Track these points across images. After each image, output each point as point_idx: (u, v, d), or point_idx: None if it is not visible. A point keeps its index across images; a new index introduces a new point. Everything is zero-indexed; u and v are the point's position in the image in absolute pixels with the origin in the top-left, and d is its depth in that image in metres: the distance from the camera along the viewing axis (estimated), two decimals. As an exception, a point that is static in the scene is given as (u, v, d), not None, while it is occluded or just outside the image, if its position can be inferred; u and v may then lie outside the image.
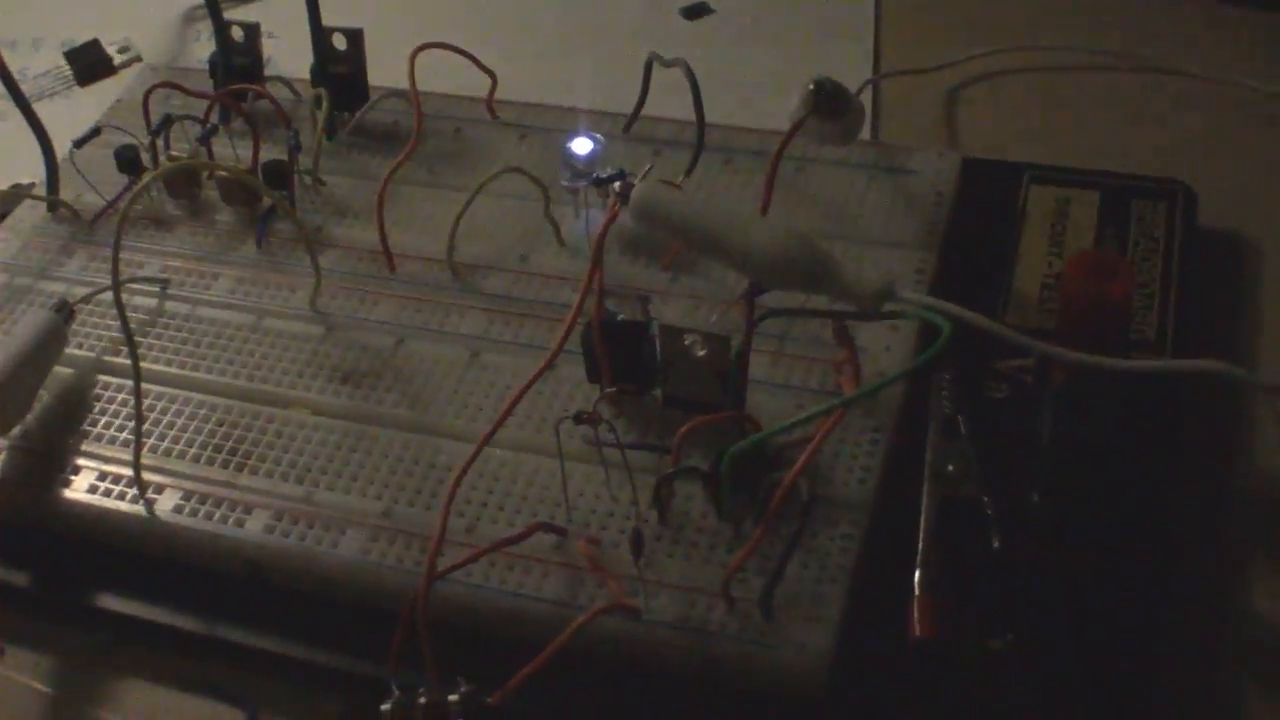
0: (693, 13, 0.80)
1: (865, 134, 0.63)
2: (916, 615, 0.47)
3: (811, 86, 0.55)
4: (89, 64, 0.81)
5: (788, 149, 0.56)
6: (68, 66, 0.81)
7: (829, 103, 0.55)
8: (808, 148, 0.61)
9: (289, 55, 0.73)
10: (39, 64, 0.82)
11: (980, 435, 0.51)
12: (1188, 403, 0.53)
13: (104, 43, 0.82)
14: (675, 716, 0.48)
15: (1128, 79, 0.72)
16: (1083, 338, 0.52)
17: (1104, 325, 0.53)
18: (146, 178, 0.55)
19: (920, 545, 0.48)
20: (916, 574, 0.48)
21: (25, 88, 0.66)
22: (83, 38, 0.82)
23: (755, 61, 0.76)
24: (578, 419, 0.49)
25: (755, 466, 0.48)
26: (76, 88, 0.81)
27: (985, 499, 0.49)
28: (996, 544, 0.48)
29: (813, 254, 0.47)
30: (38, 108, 0.66)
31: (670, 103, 0.64)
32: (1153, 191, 0.62)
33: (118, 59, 0.82)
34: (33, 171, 0.67)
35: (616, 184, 0.50)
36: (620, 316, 0.52)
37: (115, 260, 0.52)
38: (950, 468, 0.51)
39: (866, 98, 0.68)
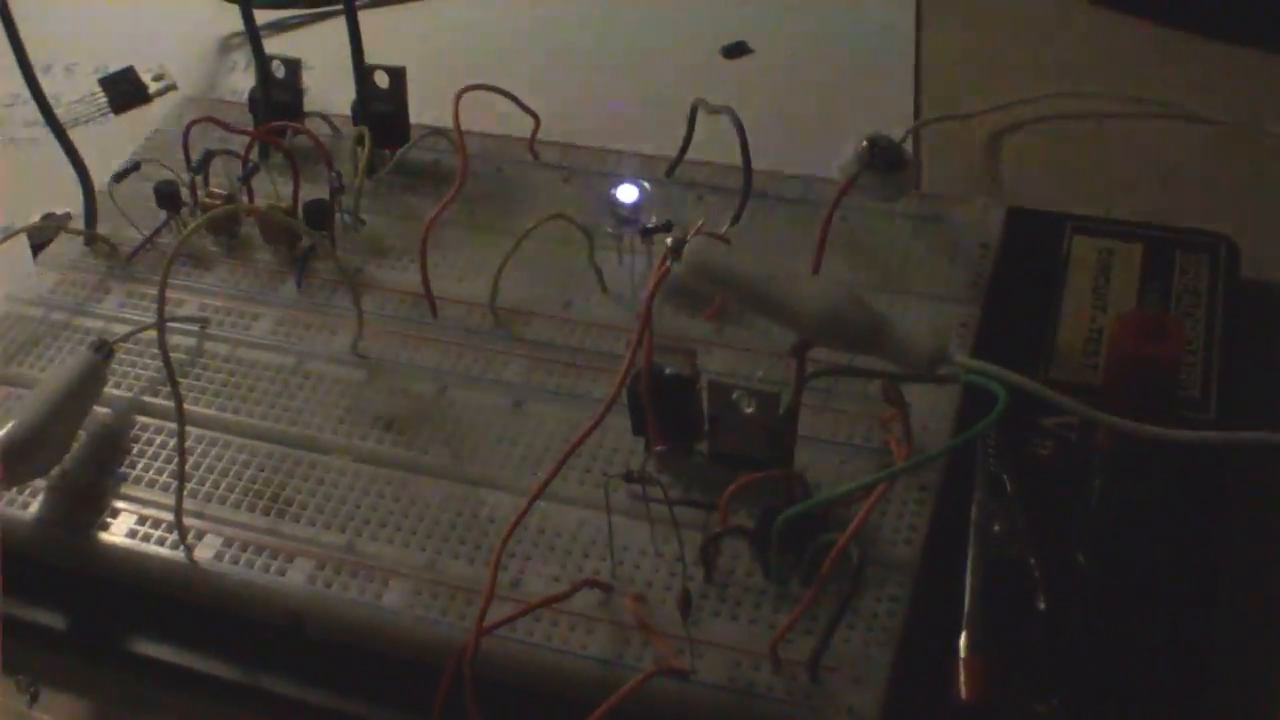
0: (732, 52, 0.80)
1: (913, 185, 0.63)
2: (963, 677, 0.46)
3: (865, 143, 0.54)
4: (124, 91, 0.81)
5: (830, 196, 0.56)
6: (102, 94, 0.81)
7: (882, 158, 0.54)
8: (851, 196, 0.60)
9: (329, 90, 0.72)
10: (72, 90, 0.82)
11: (1026, 494, 0.51)
12: (1236, 465, 0.53)
13: (139, 70, 0.82)
14: (721, 779, 0.47)
15: (1170, 128, 0.72)
16: (1130, 398, 0.51)
17: (1152, 386, 0.53)
18: (194, 225, 0.55)
19: (966, 606, 0.48)
20: (963, 636, 0.47)
21: (60, 114, 0.65)
22: (117, 64, 0.82)
23: (794, 103, 0.76)
24: (628, 478, 0.49)
25: (804, 528, 0.48)
26: (111, 115, 0.80)
27: (1032, 560, 0.49)
28: (1043, 605, 0.48)
29: (866, 315, 0.47)
30: (72, 134, 0.65)
31: (710, 145, 0.63)
32: (1196, 244, 0.61)
33: (153, 87, 0.82)
34: (66, 199, 0.67)
35: (669, 239, 0.49)
36: (667, 370, 0.51)
37: (161, 300, 0.52)
38: (996, 527, 0.50)
39: (907, 144, 0.68)
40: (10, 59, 0.62)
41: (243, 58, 0.69)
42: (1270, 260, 0.63)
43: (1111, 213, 0.64)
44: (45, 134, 0.65)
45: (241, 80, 0.75)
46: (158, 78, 0.82)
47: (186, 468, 0.55)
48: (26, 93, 0.63)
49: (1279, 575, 0.52)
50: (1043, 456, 0.54)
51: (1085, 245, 0.62)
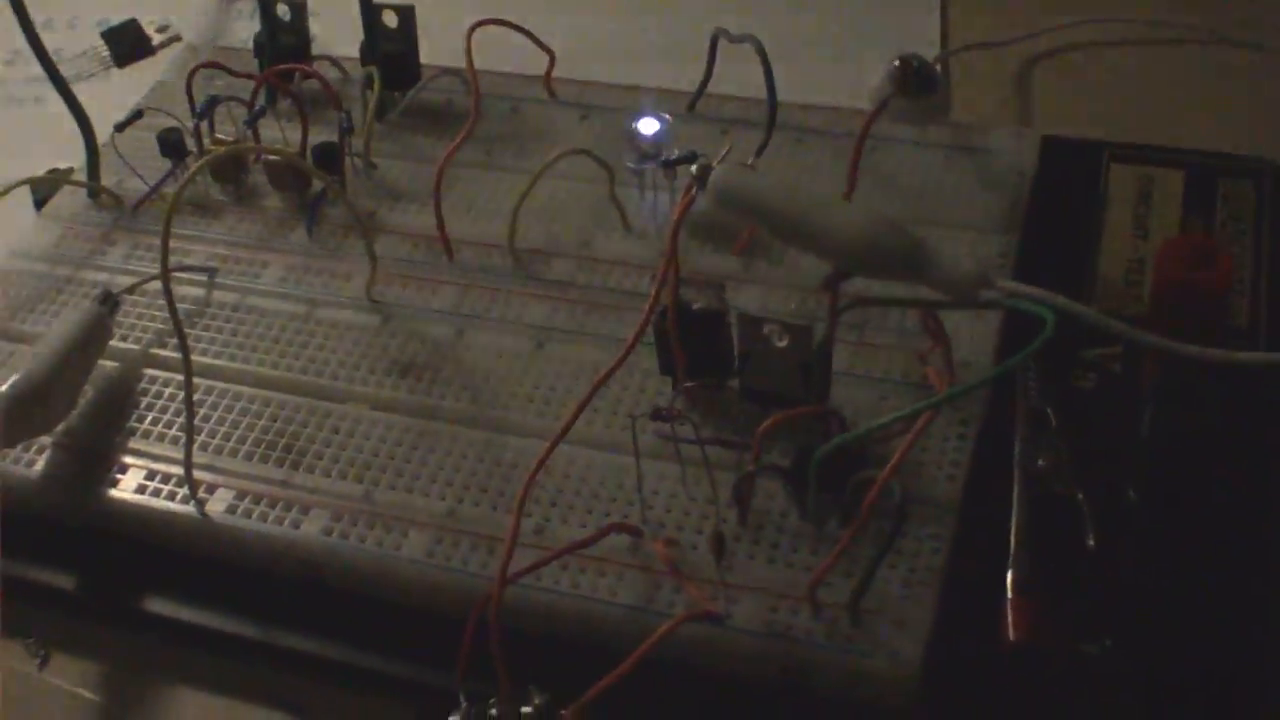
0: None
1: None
2: (1010, 618, 0.44)
3: (897, 63, 0.52)
4: (127, 44, 0.79)
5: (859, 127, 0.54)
6: (105, 47, 0.79)
7: (915, 81, 0.52)
8: (881, 127, 0.58)
9: (335, 32, 0.70)
10: (75, 45, 0.80)
11: (1071, 428, 0.49)
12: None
13: (142, 22, 0.80)
14: (759, 727, 0.45)
15: (1209, 52, 0.70)
16: (1177, 326, 0.49)
17: (1200, 314, 0.51)
18: (195, 166, 0.53)
19: (1012, 545, 0.46)
20: (1009, 575, 0.45)
21: (62, 69, 0.63)
22: (120, 17, 0.80)
23: (819, 34, 0.74)
24: (656, 416, 0.47)
25: (842, 465, 0.46)
26: (114, 69, 0.79)
27: (1080, 495, 0.47)
28: (1092, 542, 0.46)
29: (904, 240, 0.45)
30: (75, 89, 0.63)
31: (732, 78, 0.61)
32: (1239, 170, 0.59)
33: (156, 39, 0.80)
34: (71, 155, 0.65)
35: (693, 167, 0.47)
36: (696, 305, 0.49)
37: (165, 249, 0.50)
38: (1041, 463, 0.48)
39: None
40: (11, 17, 0.60)
41: (249, 5, 0.68)
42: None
43: (1150, 140, 0.62)
44: (47, 90, 0.63)
45: (248, 28, 0.72)
46: (161, 29, 0.80)
47: (197, 420, 0.53)
48: (27, 49, 0.61)
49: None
50: (1085, 389, 0.52)
51: (1124, 173, 0.60)
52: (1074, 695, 0.44)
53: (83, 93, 0.64)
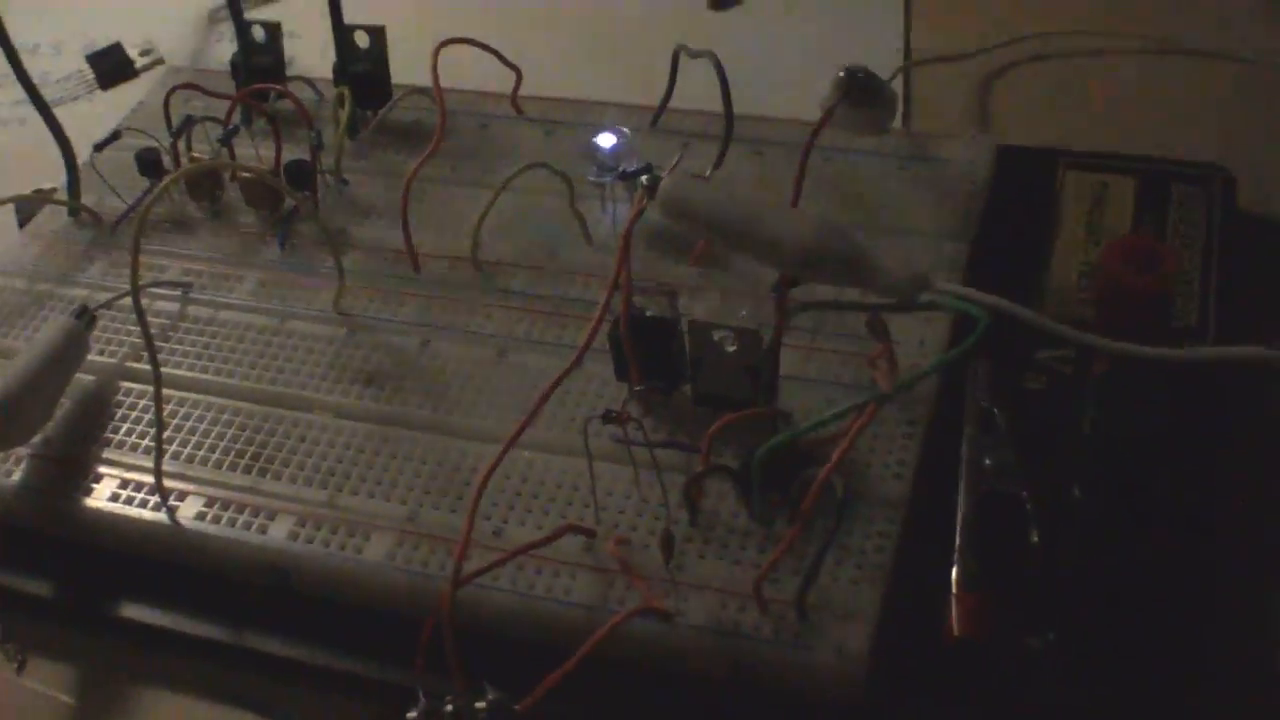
0: (721, 4, 0.79)
1: (897, 123, 0.62)
2: (955, 614, 0.45)
3: (842, 74, 0.53)
4: (111, 67, 0.81)
5: (820, 139, 0.55)
6: (90, 70, 0.81)
7: (860, 90, 0.53)
8: (839, 138, 0.59)
9: (311, 54, 0.72)
10: (61, 68, 0.82)
11: (1018, 428, 0.50)
12: (1231, 392, 0.52)
13: (126, 45, 0.81)
14: (709, 721, 0.46)
15: (1164, 63, 0.71)
16: (1123, 327, 0.50)
17: (1145, 313, 0.52)
18: (166, 180, 0.54)
19: (958, 542, 0.47)
20: (954, 571, 0.46)
21: (47, 92, 0.65)
22: (104, 41, 0.82)
23: (784, 52, 0.75)
24: (606, 418, 0.48)
25: (787, 464, 0.47)
26: (99, 91, 0.80)
27: (1024, 493, 0.48)
28: (1036, 539, 0.47)
29: (846, 244, 0.46)
30: (60, 112, 0.65)
31: (699, 95, 0.62)
32: (1191, 177, 0.60)
33: (139, 61, 0.81)
34: (54, 176, 0.66)
35: (644, 178, 0.48)
36: (649, 313, 0.51)
37: (134, 264, 0.51)
38: (988, 462, 0.49)
39: (898, 86, 0.68)
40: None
41: (229, 30, 0.69)
42: (1268, 192, 0.62)
43: (1106, 149, 0.63)
44: (32, 113, 0.64)
45: (228, 52, 0.74)
46: (145, 52, 0.81)
47: (170, 430, 0.54)
48: (11, 72, 0.63)
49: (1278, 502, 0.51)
50: (1035, 392, 0.53)
51: (1078, 180, 0.61)
52: (1018, 688, 0.45)
53: (68, 114, 0.66)
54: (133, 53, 0.81)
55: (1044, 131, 0.66)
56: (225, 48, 0.80)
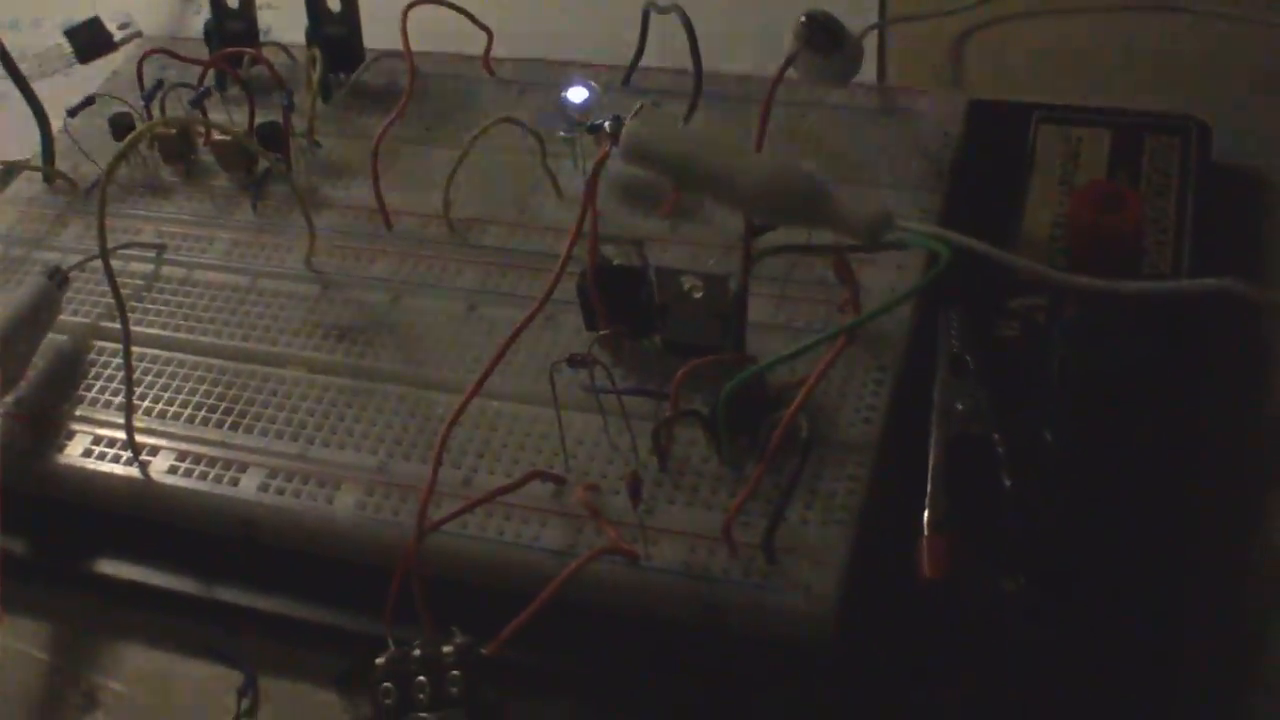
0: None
1: (872, 78, 0.61)
2: (925, 556, 0.45)
3: (803, 19, 0.53)
4: (89, 41, 0.80)
5: (793, 95, 0.55)
6: (68, 45, 0.80)
7: (822, 35, 0.53)
8: (812, 94, 0.59)
9: (286, 25, 0.72)
10: (40, 43, 0.82)
11: (991, 374, 0.50)
12: (1203, 332, 0.52)
13: (104, 20, 0.81)
14: (679, 665, 0.46)
15: (1139, 17, 0.71)
16: (1093, 270, 0.50)
17: (1114, 256, 0.52)
18: (131, 136, 0.54)
19: (929, 485, 0.47)
20: (925, 514, 0.46)
21: (25, 67, 0.66)
22: (83, 16, 0.81)
23: (756, 8, 0.74)
24: (571, 361, 0.48)
25: (755, 407, 0.47)
26: (78, 65, 0.80)
27: (996, 436, 0.48)
28: (1008, 482, 0.47)
29: (805, 184, 0.46)
30: (39, 86, 0.66)
31: (672, 53, 0.62)
32: (1165, 128, 0.60)
33: (118, 35, 0.81)
34: (33, 150, 0.67)
35: (607, 124, 0.48)
36: (615, 261, 0.51)
37: (101, 223, 0.52)
38: (959, 406, 0.49)
39: (872, 42, 0.68)
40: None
41: (206, 2, 0.69)
42: (1243, 143, 0.61)
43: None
44: (11, 88, 0.65)
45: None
46: (123, 26, 0.81)
47: (143, 388, 0.55)
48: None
49: (1253, 443, 0.51)
50: (1010, 339, 0.53)
51: (1052, 133, 0.61)
52: (989, 630, 0.45)
53: (47, 88, 0.67)
54: (111, 26, 0.81)
55: (1020, 88, 0.66)
56: (202, 19, 0.80)
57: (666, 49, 0.63)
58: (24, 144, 0.68)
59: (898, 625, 0.46)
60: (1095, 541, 0.46)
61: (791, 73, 0.56)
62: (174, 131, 0.63)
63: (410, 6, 0.62)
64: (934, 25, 0.71)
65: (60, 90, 0.75)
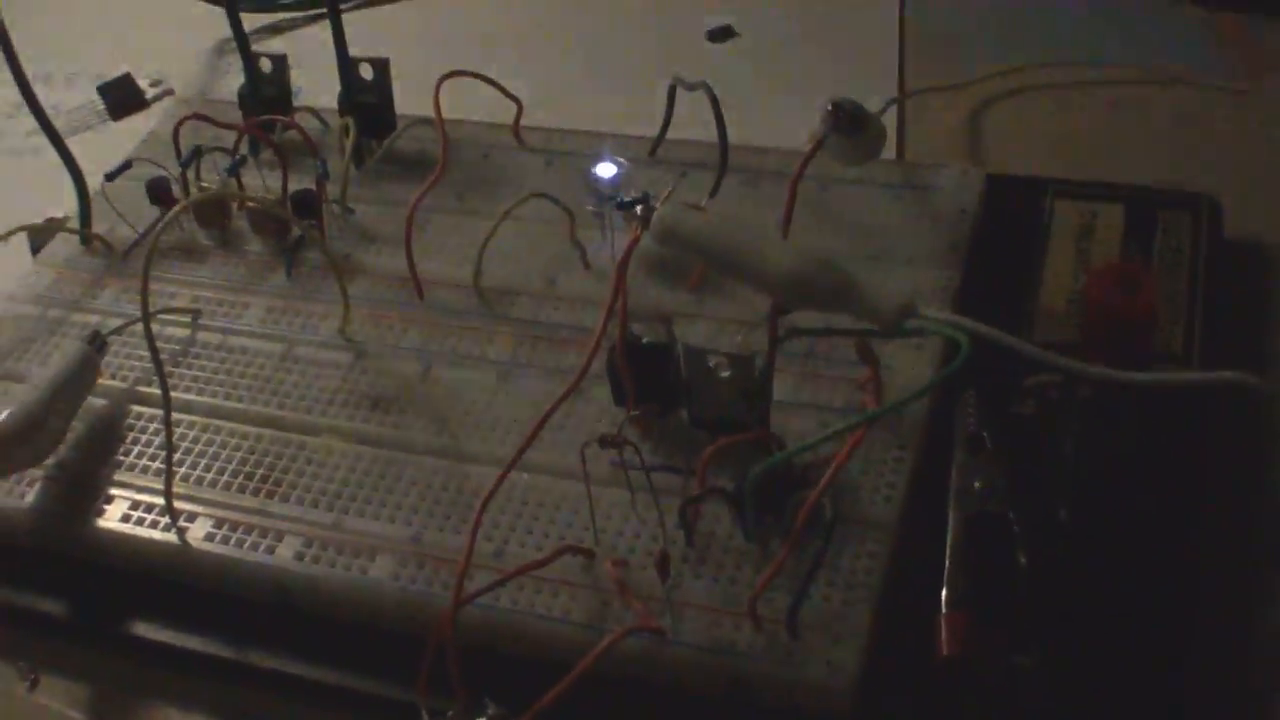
0: (717, 36, 0.81)
1: (890, 153, 0.63)
2: (943, 633, 0.47)
3: (830, 106, 0.55)
4: (122, 98, 0.82)
5: (813, 169, 0.57)
6: (100, 101, 0.82)
7: (848, 121, 0.55)
8: (832, 168, 0.60)
9: (317, 86, 0.73)
10: (73, 98, 0.83)
11: (1007, 452, 0.51)
12: (1213, 416, 0.53)
13: (136, 76, 0.83)
14: (704, 737, 0.48)
15: (1151, 92, 0.72)
16: (1107, 350, 0.52)
17: (1127, 338, 0.53)
18: (175, 209, 0.56)
19: (947, 563, 0.48)
20: (943, 592, 0.48)
21: (59, 122, 0.67)
22: (115, 72, 0.83)
23: (780, 83, 0.76)
24: (603, 442, 0.49)
25: (780, 486, 0.49)
26: (110, 121, 0.82)
27: (1011, 515, 0.49)
28: (1023, 560, 0.48)
29: (832, 273, 0.48)
30: (72, 142, 0.66)
31: (697, 126, 0.64)
32: (1177, 204, 0.61)
33: (150, 92, 0.83)
34: (67, 205, 0.68)
35: (638, 208, 0.50)
36: (644, 339, 0.52)
37: (144, 290, 0.53)
38: (976, 484, 0.51)
39: (891, 116, 0.69)
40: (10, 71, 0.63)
41: (237, 61, 0.70)
42: (1254, 219, 0.63)
43: (1095, 177, 0.64)
44: (45, 143, 0.66)
45: (237, 83, 0.75)
46: (155, 83, 0.83)
47: (179, 454, 0.56)
48: (24, 103, 0.64)
49: (1261, 525, 0.52)
50: (1024, 416, 0.54)
51: (1067, 208, 0.62)
52: (1006, 707, 0.46)
53: (80, 144, 0.68)
54: (143, 84, 0.83)
55: (1035, 160, 0.67)
56: (233, 79, 0.81)
57: (694, 119, 0.64)
58: (53, 198, 0.69)
59: (916, 701, 0.47)
60: (1109, 619, 0.47)
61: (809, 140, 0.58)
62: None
63: (445, 78, 0.64)
64: (950, 97, 0.72)
65: (92, 147, 0.76)
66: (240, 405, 0.58)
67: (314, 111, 0.70)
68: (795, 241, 0.51)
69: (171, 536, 0.54)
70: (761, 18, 0.82)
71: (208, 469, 0.56)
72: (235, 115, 0.70)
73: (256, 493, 0.54)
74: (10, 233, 0.66)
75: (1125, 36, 0.76)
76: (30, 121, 0.66)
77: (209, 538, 0.53)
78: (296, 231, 0.63)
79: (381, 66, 0.66)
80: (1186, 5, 0.77)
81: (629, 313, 0.52)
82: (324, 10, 0.74)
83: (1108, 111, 0.72)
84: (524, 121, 0.68)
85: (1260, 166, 0.67)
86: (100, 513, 0.55)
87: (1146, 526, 0.50)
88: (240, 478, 0.55)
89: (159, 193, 0.66)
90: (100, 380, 0.59)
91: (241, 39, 0.68)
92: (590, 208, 0.61)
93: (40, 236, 0.68)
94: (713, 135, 0.62)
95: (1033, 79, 0.73)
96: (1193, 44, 0.75)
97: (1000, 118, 0.72)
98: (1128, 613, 0.48)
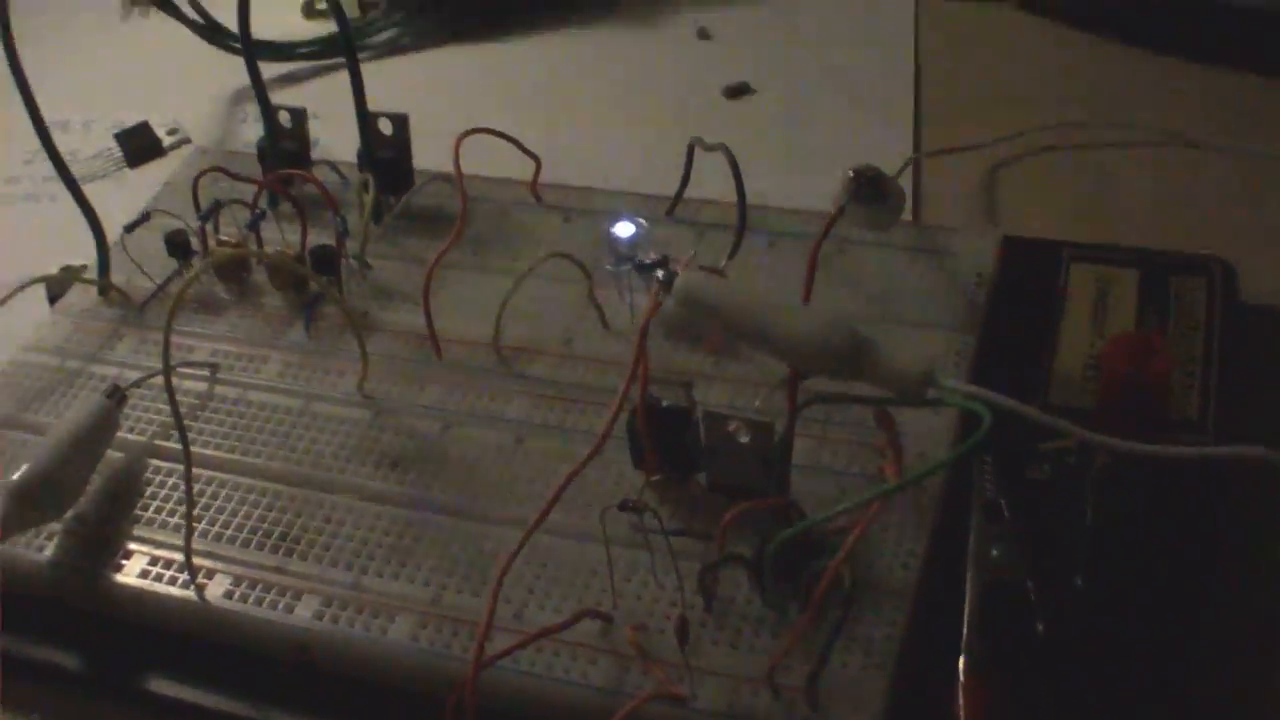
0: (734, 92, 0.81)
1: (906, 214, 0.63)
2: (962, 702, 0.47)
3: (851, 174, 0.55)
4: (139, 146, 0.83)
5: (832, 232, 0.57)
6: (118, 148, 0.82)
7: (869, 189, 0.55)
8: (850, 231, 0.61)
9: (334, 136, 0.74)
10: (90, 146, 0.84)
11: (1024, 518, 0.52)
12: (1229, 483, 0.53)
13: (153, 125, 0.83)
14: (722, 804, 0.48)
15: (1167, 155, 0.72)
16: (1123, 418, 0.52)
17: (1144, 405, 0.53)
18: (198, 267, 0.56)
19: (965, 631, 0.49)
20: (961, 660, 0.48)
21: (77, 169, 0.67)
22: (133, 119, 0.84)
23: (797, 141, 0.77)
24: (623, 507, 0.50)
25: (799, 554, 0.49)
26: (127, 169, 0.82)
27: (1029, 583, 0.49)
28: (1041, 629, 0.48)
29: (854, 342, 0.48)
30: (89, 189, 0.67)
31: (714, 184, 0.64)
32: (1190, 268, 0.62)
33: (167, 140, 0.83)
34: (83, 253, 0.68)
35: (659, 273, 0.50)
36: (664, 403, 0.52)
37: (166, 345, 0.53)
38: (994, 552, 0.51)
39: (907, 176, 0.69)
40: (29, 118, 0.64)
41: (254, 110, 0.71)
42: (1269, 283, 0.63)
43: (1111, 239, 0.64)
44: (62, 189, 0.66)
45: (253, 131, 0.76)
46: (172, 131, 0.83)
47: (198, 509, 0.56)
48: (42, 148, 0.65)
49: (1273, 594, 0.53)
50: (1041, 481, 0.54)
51: (1082, 272, 0.62)
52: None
53: (97, 192, 0.68)
54: (160, 132, 0.83)
55: (1051, 222, 0.68)
56: (250, 127, 0.82)
57: (711, 178, 0.64)
58: (70, 244, 0.69)
59: (934, 769, 0.47)
60: (1126, 686, 0.47)
61: (832, 205, 0.58)
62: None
63: (464, 136, 0.64)
64: (966, 158, 0.73)
65: (109, 193, 0.77)
66: (259, 461, 0.58)
67: (332, 165, 0.70)
68: (815, 308, 0.51)
69: (190, 593, 0.54)
70: (778, 75, 0.82)
71: (226, 525, 0.56)
72: (253, 166, 0.70)
73: (276, 550, 0.55)
74: (28, 284, 0.66)
75: (1141, 99, 0.76)
76: (47, 167, 0.66)
77: (228, 595, 0.53)
78: (315, 287, 0.64)
79: (400, 123, 0.67)
80: (1201, 67, 0.77)
81: (649, 377, 0.52)
82: (342, 60, 0.74)
83: (1123, 174, 0.72)
84: (541, 178, 0.68)
85: (1275, 229, 0.67)
86: (119, 568, 0.55)
87: (1162, 595, 0.50)
88: (259, 535, 0.55)
89: (178, 245, 0.66)
90: (118, 434, 0.59)
91: (260, 91, 0.68)
92: (608, 267, 0.61)
93: (57, 286, 0.68)
94: (729, 193, 0.62)
95: (1048, 140, 0.74)
96: (1208, 108, 0.75)
97: (1016, 179, 0.72)
98: (1144, 681, 0.48)
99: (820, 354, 0.48)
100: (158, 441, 0.60)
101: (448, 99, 0.83)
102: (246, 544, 0.55)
